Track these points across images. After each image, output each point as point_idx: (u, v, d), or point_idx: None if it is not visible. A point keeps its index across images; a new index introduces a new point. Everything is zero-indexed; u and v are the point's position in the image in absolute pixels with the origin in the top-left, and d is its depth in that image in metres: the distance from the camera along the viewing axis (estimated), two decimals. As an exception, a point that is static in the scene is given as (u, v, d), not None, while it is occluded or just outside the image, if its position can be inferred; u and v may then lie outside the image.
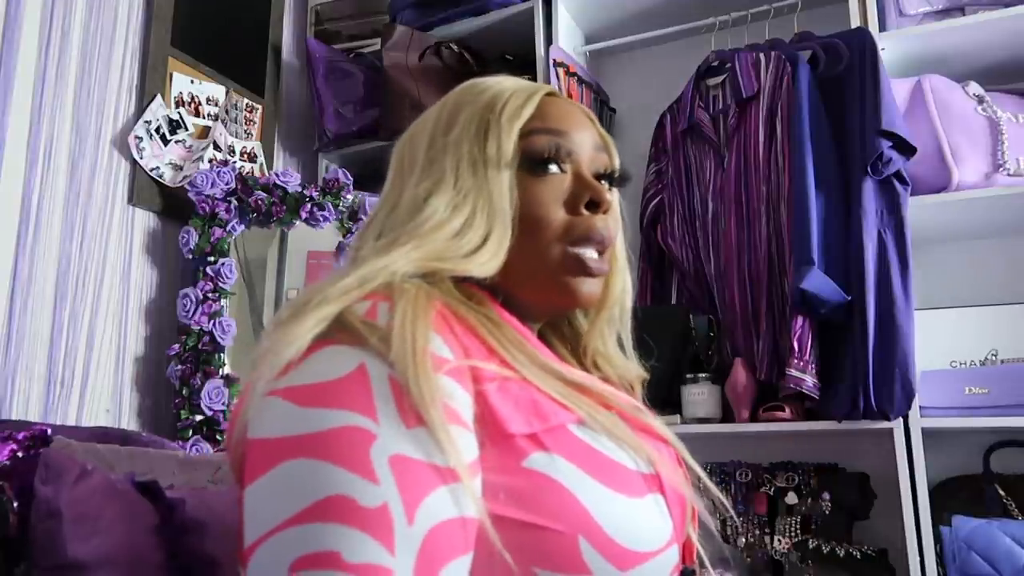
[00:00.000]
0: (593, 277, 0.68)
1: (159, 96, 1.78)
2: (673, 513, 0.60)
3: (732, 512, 0.70)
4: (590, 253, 0.67)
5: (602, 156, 0.72)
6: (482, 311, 0.62)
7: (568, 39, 1.98)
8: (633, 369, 0.77)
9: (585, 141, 0.70)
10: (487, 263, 0.64)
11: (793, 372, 1.50)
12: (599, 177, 0.71)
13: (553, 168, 0.68)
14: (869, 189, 1.52)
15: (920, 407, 1.49)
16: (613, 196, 0.73)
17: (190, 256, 1.73)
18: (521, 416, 0.56)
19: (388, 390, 0.51)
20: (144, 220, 1.75)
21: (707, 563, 0.67)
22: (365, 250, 0.66)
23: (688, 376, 1.64)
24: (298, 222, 1.79)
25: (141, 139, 1.73)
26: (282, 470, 0.49)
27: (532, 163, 0.67)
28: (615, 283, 0.74)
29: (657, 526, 0.57)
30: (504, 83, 0.72)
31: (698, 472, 0.67)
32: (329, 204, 1.77)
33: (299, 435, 0.50)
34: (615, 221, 0.72)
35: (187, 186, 1.75)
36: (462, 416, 0.53)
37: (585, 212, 0.67)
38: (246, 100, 2.03)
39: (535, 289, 0.67)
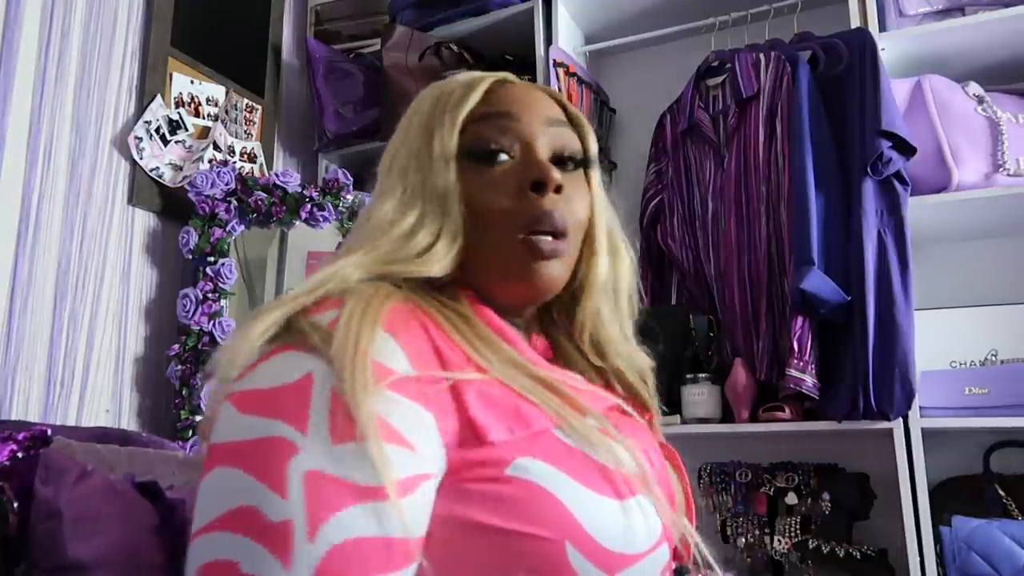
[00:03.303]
0: (548, 260, 0.64)
1: (159, 96, 1.78)
2: (661, 512, 0.60)
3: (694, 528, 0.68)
4: (542, 238, 0.63)
5: (562, 133, 0.68)
6: (454, 308, 0.61)
7: (568, 39, 1.98)
8: (640, 359, 0.75)
9: (537, 120, 0.67)
10: (439, 262, 0.62)
11: (793, 372, 1.50)
12: (560, 157, 0.68)
13: (501, 156, 0.66)
14: (869, 189, 1.52)
15: (920, 407, 1.48)
16: (592, 177, 0.70)
17: (190, 256, 1.73)
18: (502, 424, 0.55)
19: (327, 401, 0.50)
20: (144, 220, 1.75)
21: (710, 561, 0.66)
22: (340, 252, 0.66)
23: (688, 376, 1.64)
24: (298, 222, 1.79)
25: (141, 139, 1.73)
26: (213, 475, 0.51)
27: (473, 151, 0.65)
28: (595, 265, 0.70)
29: (644, 527, 0.56)
30: (457, 78, 0.70)
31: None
32: (329, 204, 1.77)
33: (231, 442, 0.51)
34: (581, 202, 0.68)
35: (187, 186, 1.75)
36: (401, 433, 0.51)
37: (532, 195, 0.64)
38: (246, 100, 2.03)
39: (496, 282, 0.65)
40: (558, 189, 0.64)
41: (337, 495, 0.48)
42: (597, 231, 0.70)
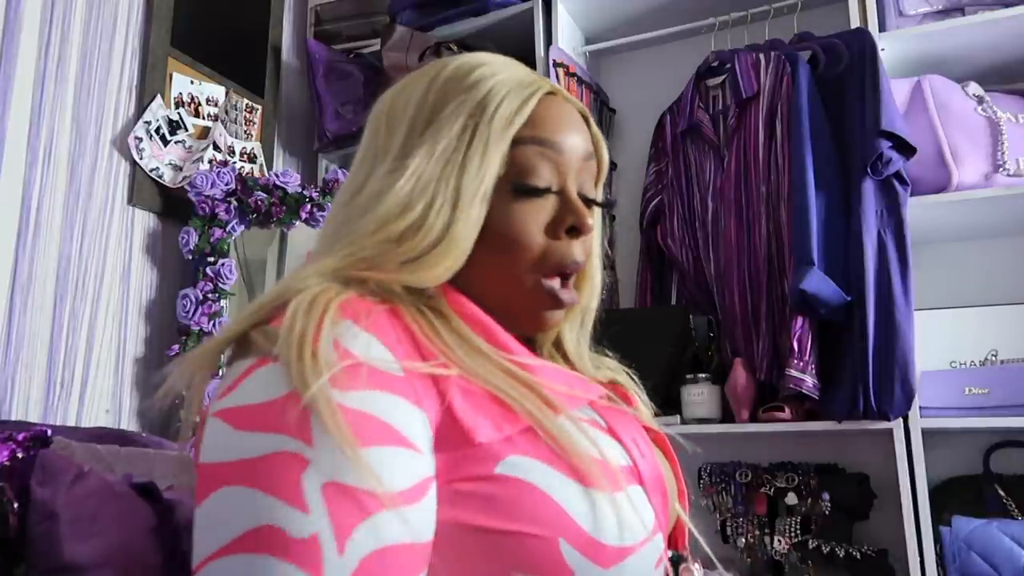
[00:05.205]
0: (561, 309, 0.66)
1: (159, 96, 1.78)
2: (654, 502, 0.59)
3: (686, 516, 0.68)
4: (559, 284, 0.64)
5: (591, 168, 0.68)
6: (429, 303, 0.59)
7: (568, 39, 1.98)
8: (606, 360, 0.75)
9: (576, 149, 0.66)
10: (430, 271, 0.59)
11: (793, 372, 1.50)
12: (586, 196, 0.67)
13: (543, 191, 0.64)
14: (869, 189, 1.52)
15: (920, 407, 1.48)
16: (595, 215, 0.70)
17: (190, 256, 1.73)
18: (490, 421, 0.54)
19: None
20: (144, 220, 1.75)
21: (704, 547, 0.66)
22: (320, 245, 0.64)
23: (688, 376, 1.64)
24: (298, 222, 1.79)
25: (141, 139, 1.73)
26: (219, 496, 0.49)
27: (518, 180, 0.63)
28: (586, 289, 0.72)
29: (637, 519, 0.56)
30: (499, 75, 0.65)
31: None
32: (329, 204, 1.77)
33: (234, 461, 0.49)
34: (595, 237, 0.69)
35: (187, 186, 1.75)
36: (404, 434, 0.50)
37: (564, 237, 0.64)
38: (246, 100, 2.03)
39: (501, 310, 0.63)
40: (587, 234, 0.66)
41: (359, 504, 0.47)
42: (594, 259, 0.72)
